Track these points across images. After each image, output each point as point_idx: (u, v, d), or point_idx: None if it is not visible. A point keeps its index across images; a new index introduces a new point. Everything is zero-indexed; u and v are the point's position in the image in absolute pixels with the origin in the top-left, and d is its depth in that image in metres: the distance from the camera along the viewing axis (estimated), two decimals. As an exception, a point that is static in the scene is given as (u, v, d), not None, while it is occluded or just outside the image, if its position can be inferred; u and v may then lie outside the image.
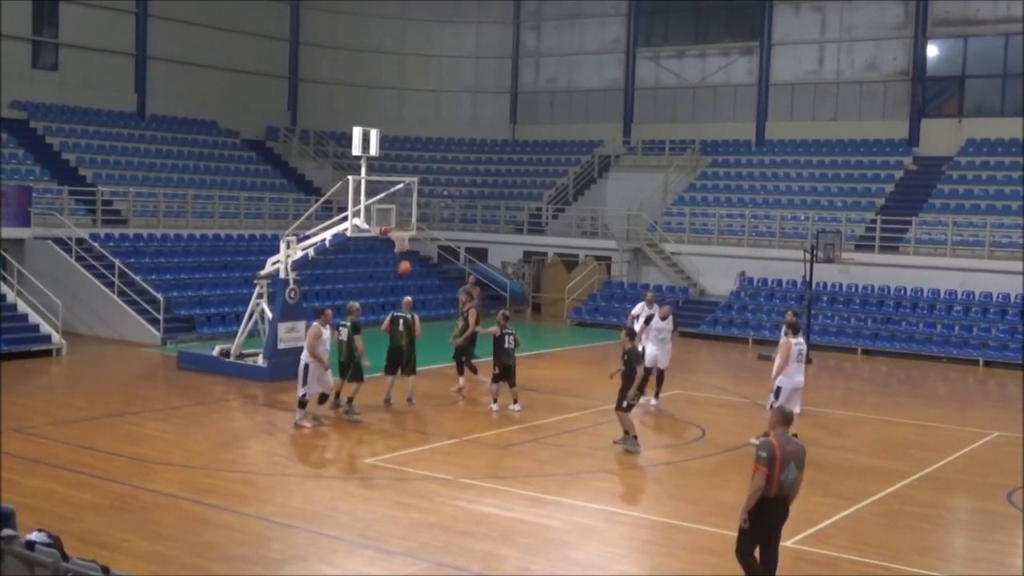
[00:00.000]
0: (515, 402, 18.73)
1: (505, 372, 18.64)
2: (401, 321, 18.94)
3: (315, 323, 17.40)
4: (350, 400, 17.96)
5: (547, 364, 24.72)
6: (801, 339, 16.89)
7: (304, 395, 17.08)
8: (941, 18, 35.79)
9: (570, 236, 36.67)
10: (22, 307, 24.34)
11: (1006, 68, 34.79)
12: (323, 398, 17.41)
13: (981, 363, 26.99)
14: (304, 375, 17.00)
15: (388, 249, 29.74)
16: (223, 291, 28.54)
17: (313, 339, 17.03)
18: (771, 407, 15.50)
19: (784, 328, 17.26)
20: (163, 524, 11.91)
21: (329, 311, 17.81)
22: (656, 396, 19.67)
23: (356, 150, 20.18)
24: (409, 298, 19.75)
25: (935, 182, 34.11)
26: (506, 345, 18.66)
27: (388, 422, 17.78)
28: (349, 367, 17.83)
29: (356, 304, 18.68)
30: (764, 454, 9.36)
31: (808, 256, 27.11)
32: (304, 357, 17.09)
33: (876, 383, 24.21)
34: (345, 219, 20.57)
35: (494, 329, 18.99)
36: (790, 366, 16.39)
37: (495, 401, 18.66)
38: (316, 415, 17.30)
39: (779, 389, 16.31)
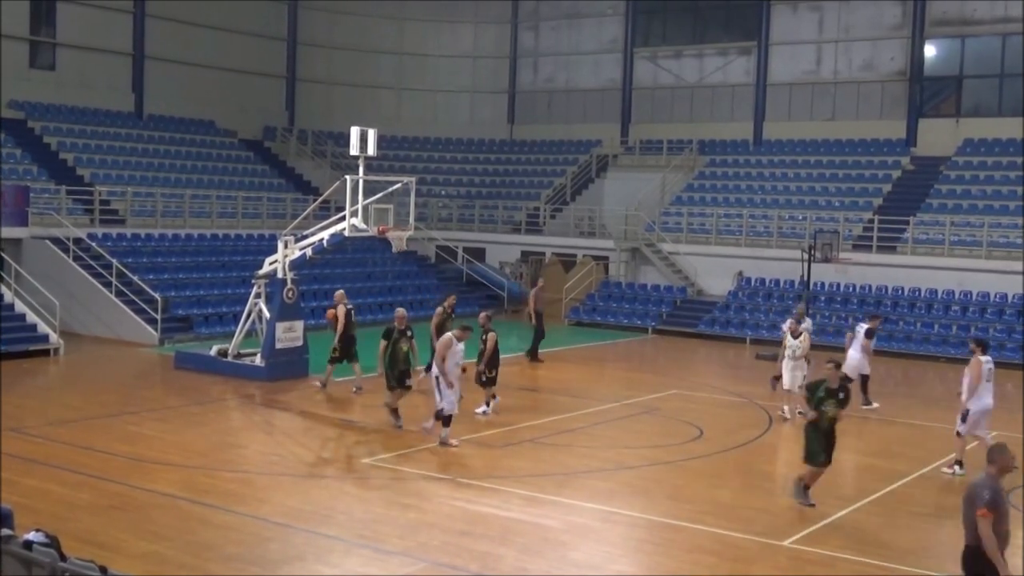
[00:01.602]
0: (494, 398, 18.54)
1: (497, 375, 18.52)
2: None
3: (449, 333, 16.35)
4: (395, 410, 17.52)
5: (544, 364, 24.68)
6: (990, 357, 15.66)
7: (441, 410, 15.91)
8: (938, 18, 35.81)
9: (568, 236, 36.67)
10: (19, 307, 24.31)
11: (1003, 68, 34.81)
12: (447, 420, 15.99)
13: (979, 363, 26.99)
14: (438, 389, 15.98)
15: (386, 249, 29.70)
16: (221, 291, 28.52)
17: (440, 350, 16.00)
18: (958, 432, 15.29)
19: (971, 346, 15.98)
20: (160, 524, 11.91)
21: (469, 328, 16.61)
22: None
23: (354, 150, 20.20)
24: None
25: (933, 182, 34.11)
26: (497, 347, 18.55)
27: (385, 422, 17.75)
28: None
29: (402, 310, 17.97)
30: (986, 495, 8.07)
31: (806, 256, 27.14)
32: (434, 370, 16.20)
33: (874, 382, 24.15)
34: (343, 219, 20.57)
35: (492, 336, 18.39)
36: (981, 386, 15.30)
37: (487, 404, 18.47)
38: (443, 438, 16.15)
39: (967, 412, 15.25)
